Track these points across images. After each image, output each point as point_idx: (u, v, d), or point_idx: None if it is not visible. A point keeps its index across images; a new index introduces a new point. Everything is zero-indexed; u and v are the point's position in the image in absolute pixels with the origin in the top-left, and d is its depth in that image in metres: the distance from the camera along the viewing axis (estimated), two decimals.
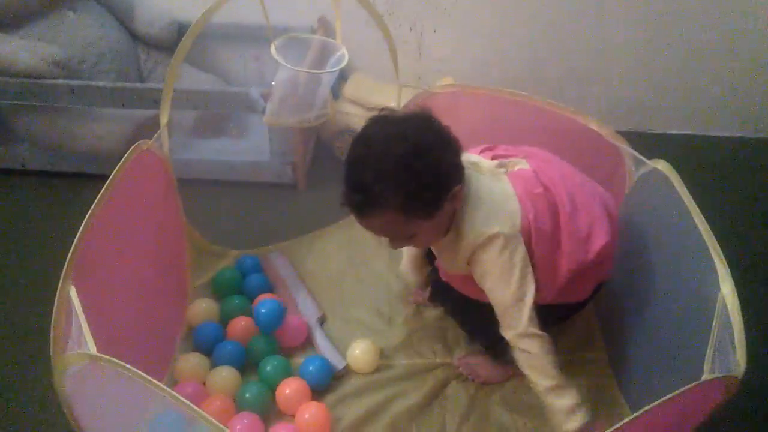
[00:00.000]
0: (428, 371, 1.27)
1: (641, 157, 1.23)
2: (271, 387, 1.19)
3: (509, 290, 1.01)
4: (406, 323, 1.37)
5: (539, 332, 1.02)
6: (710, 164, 1.96)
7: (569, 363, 1.27)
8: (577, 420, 1.01)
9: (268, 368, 1.21)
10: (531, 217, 1.03)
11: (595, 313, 1.39)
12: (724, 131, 2.10)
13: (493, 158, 1.12)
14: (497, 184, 1.06)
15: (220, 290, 1.41)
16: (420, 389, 1.23)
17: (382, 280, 1.46)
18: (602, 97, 2.06)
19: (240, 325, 1.29)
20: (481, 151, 1.15)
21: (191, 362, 1.22)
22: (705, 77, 2.01)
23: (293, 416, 1.16)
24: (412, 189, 0.94)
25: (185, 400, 0.76)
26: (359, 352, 1.25)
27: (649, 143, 1.99)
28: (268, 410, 1.18)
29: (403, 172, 0.93)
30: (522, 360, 1.04)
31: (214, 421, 0.74)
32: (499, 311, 1.04)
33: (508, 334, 1.04)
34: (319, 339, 1.30)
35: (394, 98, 1.71)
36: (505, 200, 1.04)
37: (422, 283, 1.39)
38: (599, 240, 1.07)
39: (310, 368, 1.21)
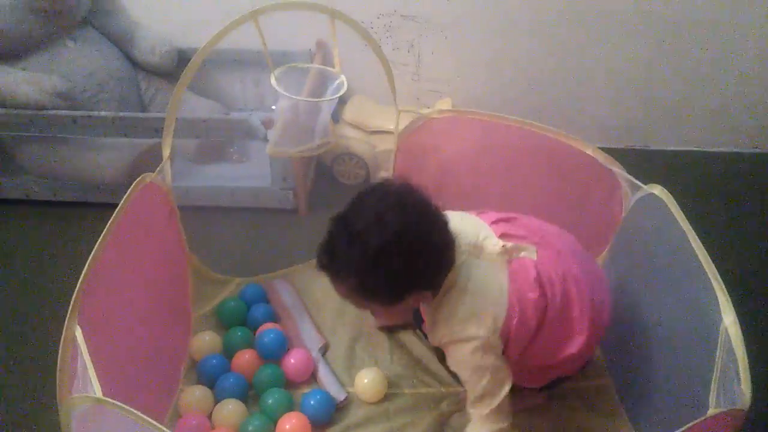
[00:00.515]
0: (435, 401, 1.26)
1: (637, 182, 1.24)
2: (273, 420, 1.19)
3: (480, 386, 0.99)
4: (409, 352, 1.37)
5: (504, 425, 1.00)
6: (707, 180, 1.97)
7: (576, 391, 1.27)
8: None
9: (270, 401, 1.20)
10: (515, 322, 0.99)
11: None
12: (720, 147, 2.11)
13: (502, 235, 1.05)
14: (493, 276, 1.01)
15: (223, 321, 1.41)
16: (425, 419, 1.22)
17: None
18: (600, 116, 2.07)
19: (244, 357, 1.29)
20: (496, 222, 1.09)
21: (195, 395, 1.22)
22: (700, 94, 2.02)
23: None
24: (370, 284, 0.94)
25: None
26: (368, 381, 1.25)
27: (645, 160, 2.04)
28: None
29: (368, 265, 0.91)
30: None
31: None
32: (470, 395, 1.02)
33: (474, 411, 1.01)
34: (321, 370, 1.30)
35: (393, 121, 1.73)
36: (495, 298, 0.99)
37: None
38: (570, 348, 1.04)
39: (311, 402, 1.21)
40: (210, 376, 1.27)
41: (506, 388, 0.99)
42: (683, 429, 0.77)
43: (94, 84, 1.79)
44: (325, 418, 1.21)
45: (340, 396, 1.25)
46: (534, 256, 1.03)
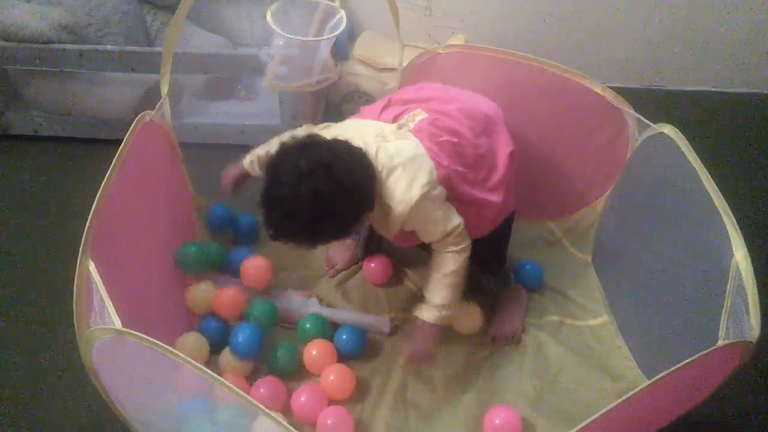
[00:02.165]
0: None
1: (646, 121, 1.22)
2: (304, 342, 1.22)
3: (439, 228, 1.09)
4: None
5: (466, 248, 1.11)
6: (725, 121, 1.94)
7: (575, 330, 1.30)
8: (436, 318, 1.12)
9: (308, 325, 1.24)
10: (445, 164, 1.09)
11: (597, 279, 1.40)
12: (737, 87, 2.06)
13: (394, 120, 1.16)
14: (406, 143, 1.10)
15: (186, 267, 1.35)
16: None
17: None
18: (616, 54, 2.02)
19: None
20: (381, 112, 1.19)
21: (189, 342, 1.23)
22: (719, 32, 1.96)
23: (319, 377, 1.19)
24: (323, 237, 1.05)
25: (207, 370, 0.78)
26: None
27: (662, 100, 1.99)
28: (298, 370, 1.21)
29: (311, 229, 1.01)
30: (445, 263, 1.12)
31: (237, 389, 0.76)
32: (434, 245, 1.13)
33: (445, 251, 1.12)
34: (349, 315, 1.31)
35: (404, 59, 1.69)
36: (418, 158, 1.08)
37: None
38: (505, 149, 1.18)
39: (344, 336, 1.24)
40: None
41: (460, 224, 1.10)
42: (693, 358, 0.78)
43: (99, 18, 1.75)
44: (354, 353, 1.24)
45: (385, 326, 1.28)
46: (425, 115, 1.15)
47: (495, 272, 1.30)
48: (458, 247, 1.11)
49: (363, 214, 1.05)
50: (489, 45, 1.40)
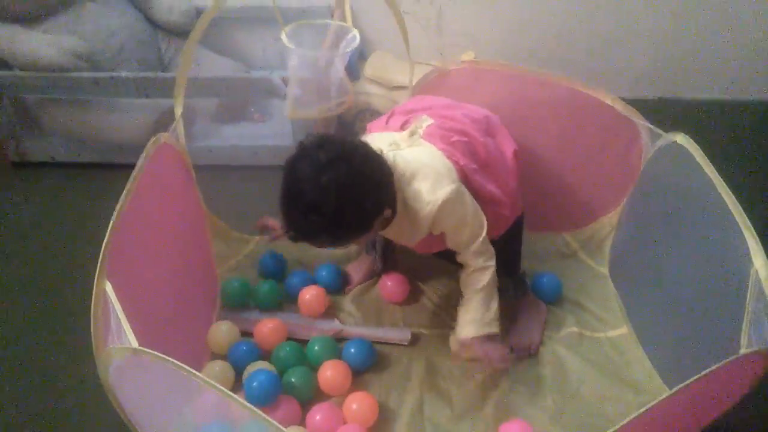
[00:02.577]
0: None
1: (658, 130, 1.22)
2: (315, 367, 1.21)
3: (467, 229, 1.10)
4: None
5: (491, 257, 1.12)
6: (740, 130, 1.92)
7: (595, 342, 1.28)
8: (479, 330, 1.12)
9: (316, 348, 1.22)
10: (462, 163, 1.11)
11: (614, 290, 1.38)
12: (751, 95, 2.05)
13: (402, 128, 1.18)
14: (421, 149, 1.12)
15: (229, 302, 1.38)
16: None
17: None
18: (629, 65, 2.02)
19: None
20: (386, 122, 1.22)
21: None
22: (733, 41, 1.95)
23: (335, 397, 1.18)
24: (341, 234, 1.04)
25: (223, 388, 0.78)
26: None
27: (676, 110, 1.99)
28: (312, 394, 1.19)
29: (332, 225, 0.99)
30: (477, 280, 1.12)
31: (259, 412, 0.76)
32: (462, 251, 1.13)
33: (477, 262, 1.12)
34: (369, 330, 1.31)
35: (414, 75, 1.71)
36: (436, 160, 1.10)
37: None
38: (509, 148, 1.21)
39: (352, 350, 1.23)
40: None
41: (485, 226, 1.11)
42: (714, 367, 0.76)
43: (114, 45, 1.79)
44: (366, 364, 1.24)
45: (406, 336, 1.28)
46: (431, 120, 1.17)
47: (512, 274, 1.29)
48: (483, 258, 1.11)
49: (384, 207, 1.04)
50: (499, 61, 1.41)
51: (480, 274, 1.12)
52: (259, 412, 0.77)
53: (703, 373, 0.76)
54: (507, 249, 1.22)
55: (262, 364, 1.20)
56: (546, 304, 1.35)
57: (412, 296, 1.39)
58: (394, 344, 1.29)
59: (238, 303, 1.37)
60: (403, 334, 1.29)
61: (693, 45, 1.97)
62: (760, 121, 1.97)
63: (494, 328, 1.12)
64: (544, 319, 1.31)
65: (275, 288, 1.37)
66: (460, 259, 1.14)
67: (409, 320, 1.35)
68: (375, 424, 1.14)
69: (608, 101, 1.30)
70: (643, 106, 1.32)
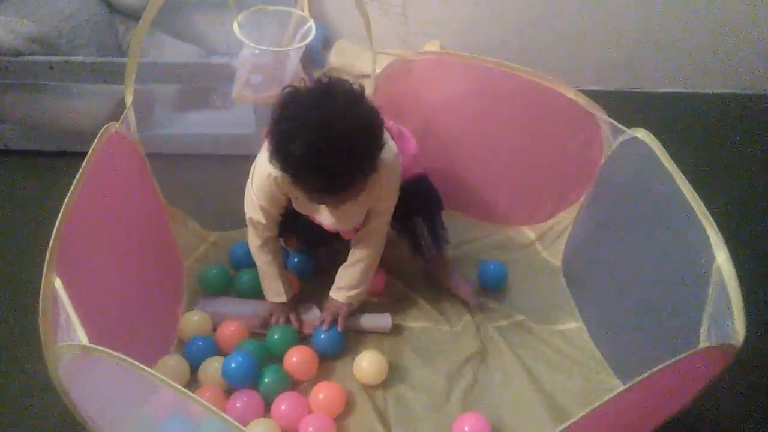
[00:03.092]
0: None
1: (620, 126, 1.22)
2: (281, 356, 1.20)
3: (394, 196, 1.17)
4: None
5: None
6: (700, 122, 1.96)
7: (544, 334, 1.28)
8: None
9: (276, 336, 1.22)
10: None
11: (566, 285, 1.39)
12: (709, 88, 2.09)
13: None
14: None
15: (209, 290, 1.37)
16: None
17: None
18: (590, 58, 2.03)
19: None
20: None
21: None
22: (691, 34, 1.98)
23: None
24: (371, 161, 1.02)
25: (178, 386, 0.76)
26: (366, 365, 1.19)
27: (637, 102, 2.01)
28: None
29: (365, 153, 0.99)
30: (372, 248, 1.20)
31: (208, 404, 0.75)
32: (382, 215, 1.18)
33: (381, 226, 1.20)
34: (359, 318, 1.29)
35: (379, 66, 1.69)
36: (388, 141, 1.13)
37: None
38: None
39: (322, 336, 1.23)
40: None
41: None
42: (673, 361, 0.76)
43: (69, 28, 1.73)
44: (336, 350, 1.24)
45: (387, 323, 1.28)
46: None
47: (429, 219, 1.29)
48: (385, 228, 1.19)
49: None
50: (464, 51, 1.40)
51: (379, 239, 1.19)
52: (216, 410, 0.75)
53: (660, 366, 0.76)
54: (420, 188, 1.25)
55: (218, 360, 1.19)
56: (493, 291, 1.35)
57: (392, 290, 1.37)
58: (374, 333, 1.28)
59: (219, 291, 1.36)
60: (384, 321, 1.28)
61: (655, 37, 2.00)
62: (719, 114, 2.01)
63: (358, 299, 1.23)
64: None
65: (255, 277, 1.34)
66: (371, 226, 1.19)
67: (392, 309, 1.32)
68: (342, 413, 1.14)
69: (571, 95, 1.30)
70: (605, 99, 1.32)
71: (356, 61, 1.81)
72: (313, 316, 1.30)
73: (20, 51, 1.61)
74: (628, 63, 2.05)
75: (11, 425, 1.15)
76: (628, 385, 0.77)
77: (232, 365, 1.15)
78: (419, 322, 1.31)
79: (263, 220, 1.20)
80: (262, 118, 1.68)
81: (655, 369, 0.77)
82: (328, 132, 0.95)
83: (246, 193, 1.21)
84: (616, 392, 0.77)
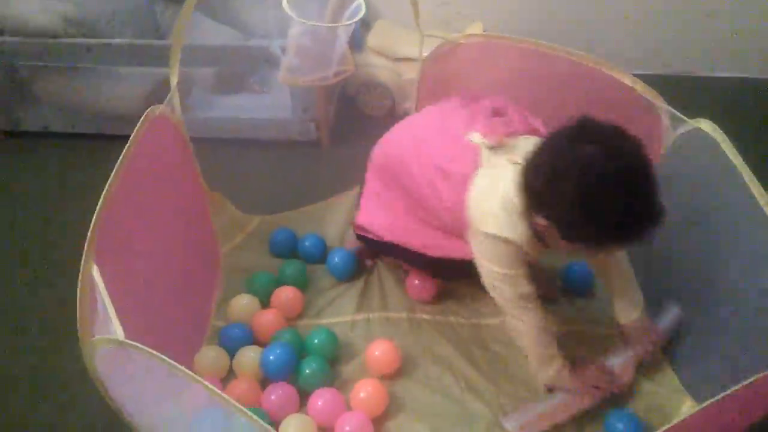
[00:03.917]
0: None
1: (681, 116, 1.14)
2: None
3: None
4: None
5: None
6: (759, 110, 1.84)
7: (603, 338, 1.21)
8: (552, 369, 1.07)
9: (307, 371, 1.15)
10: None
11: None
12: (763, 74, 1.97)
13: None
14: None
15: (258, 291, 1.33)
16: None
17: None
18: (639, 40, 1.94)
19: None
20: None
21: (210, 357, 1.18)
22: (749, 16, 1.87)
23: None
24: None
25: (210, 386, 0.75)
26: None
27: (689, 88, 1.91)
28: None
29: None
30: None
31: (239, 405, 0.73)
32: None
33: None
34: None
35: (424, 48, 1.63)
36: None
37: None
38: None
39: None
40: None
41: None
42: (750, 381, 0.72)
43: (108, 11, 1.72)
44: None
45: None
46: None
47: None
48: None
49: None
50: (507, 33, 1.33)
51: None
52: (247, 411, 0.73)
53: (738, 386, 0.72)
54: None
55: (253, 350, 1.17)
56: (576, 296, 1.29)
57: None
58: None
59: (265, 296, 1.30)
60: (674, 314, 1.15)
61: (710, 18, 1.89)
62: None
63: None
64: None
65: (301, 268, 1.34)
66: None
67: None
68: (382, 414, 1.10)
69: (628, 82, 1.21)
70: (656, 83, 1.24)
71: (396, 43, 1.75)
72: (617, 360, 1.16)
73: (58, 32, 1.61)
74: (681, 45, 1.94)
75: (50, 417, 1.16)
76: (700, 408, 0.73)
77: (271, 357, 1.13)
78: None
79: (527, 287, 1.05)
80: (298, 103, 1.65)
81: (730, 390, 0.72)
82: (635, 171, 0.88)
83: (494, 280, 1.05)
84: (686, 416, 0.74)
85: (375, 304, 1.30)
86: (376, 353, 1.16)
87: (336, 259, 1.34)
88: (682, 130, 1.15)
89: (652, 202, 0.88)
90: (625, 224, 0.88)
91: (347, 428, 1.05)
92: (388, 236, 1.21)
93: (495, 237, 1.00)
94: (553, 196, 0.90)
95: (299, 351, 1.18)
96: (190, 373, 0.74)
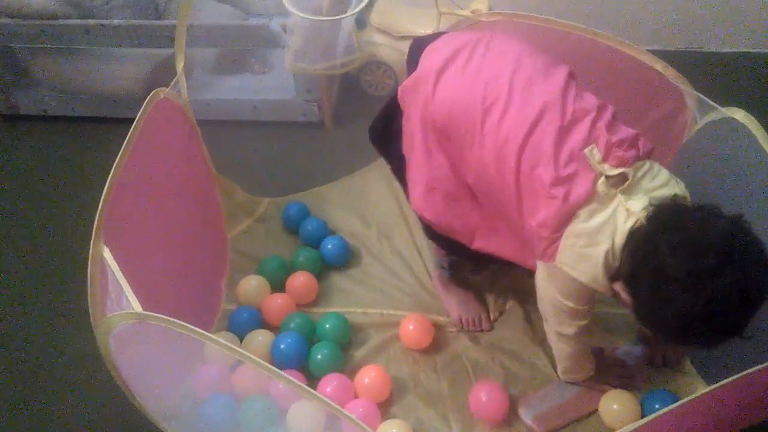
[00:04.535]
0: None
1: (711, 103, 1.10)
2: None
3: None
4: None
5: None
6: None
7: (623, 317, 1.19)
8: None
9: (319, 356, 1.14)
10: None
11: None
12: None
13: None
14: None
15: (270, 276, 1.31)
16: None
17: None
18: (648, 14, 1.91)
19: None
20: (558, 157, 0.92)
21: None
22: None
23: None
24: None
25: (237, 348, 0.74)
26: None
27: (699, 63, 1.89)
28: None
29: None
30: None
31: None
32: None
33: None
34: None
35: (424, 25, 1.61)
36: None
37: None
38: None
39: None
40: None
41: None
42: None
43: None
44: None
45: None
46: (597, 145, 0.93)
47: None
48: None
49: None
50: (513, 10, 1.30)
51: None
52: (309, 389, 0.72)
53: (751, 370, 0.72)
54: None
55: (261, 333, 1.17)
56: None
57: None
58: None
59: (279, 281, 1.29)
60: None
61: None
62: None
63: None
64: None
65: (315, 256, 1.33)
66: None
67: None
68: (387, 399, 1.11)
69: (658, 67, 1.16)
70: (664, 58, 1.20)
71: (399, 21, 1.72)
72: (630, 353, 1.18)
73: (55, 14, 1.58)
74: (690, 21, 1.92)
75: (55, 401, 1.15)
76: (712, 387, 0.72)
77: (282, 346, 1.12)
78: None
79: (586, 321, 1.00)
80: (301, 84, 1.63)
81: (743, 373, 0.72)
82: (729, 318, 0.79)
83: (555, 308, 0.99)
84: (699, 393, 0.73)
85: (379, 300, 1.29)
86: (410, 327, 1.17)
87: (329, 245, 1.33)
88: (712, 117, 1.10)
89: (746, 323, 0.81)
90: (709, 339, 0.82)
91: (354, 415, 1.04)
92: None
93: (576, 279, 0.91)
94: (658, 295, 0.81)
95: (310, 336, 1.17)
96: (215, 338, 0.73)
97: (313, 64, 1.30)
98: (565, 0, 1.87)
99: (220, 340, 0.74)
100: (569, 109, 0.92)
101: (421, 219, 1.10)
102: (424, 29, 1.55)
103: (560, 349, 1.05)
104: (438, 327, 1.22)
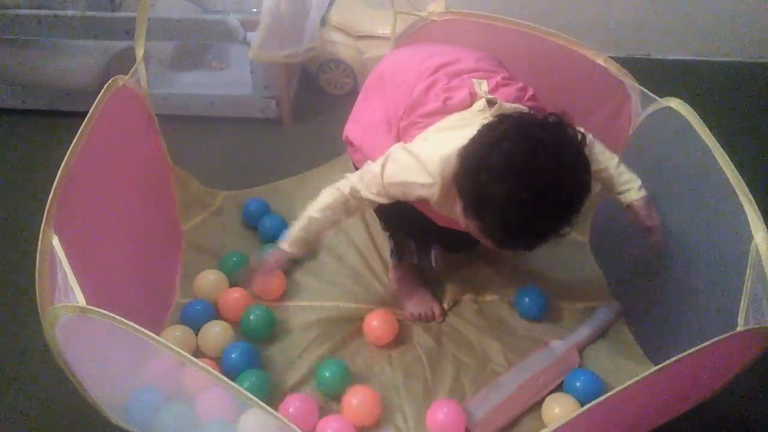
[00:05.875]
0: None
1: (651, 95, 1.16)
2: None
3: None
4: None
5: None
6: (709, 90, 1.90)
7: (577, 312, 1.25)
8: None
9: (327, 374, 1.12)
10: None
11: (594, 263, 1.35)
12: (725, 56, 2.03)
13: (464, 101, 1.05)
14: None
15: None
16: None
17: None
18: (594, 22, 1.97)
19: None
20: (434, 101, 1.06)
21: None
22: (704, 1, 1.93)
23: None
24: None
25: (176, 348, 0.74)
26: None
27: (646, 70, 1.95)
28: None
29: (577, 214, 0.89)
30: None
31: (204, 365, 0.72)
32: None
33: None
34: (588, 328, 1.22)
35: (383, 25, 1.63)
36: None
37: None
38: None
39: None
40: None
41: None
42: (709, 343, 0.74)
43: None
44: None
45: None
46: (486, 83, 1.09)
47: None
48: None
49: None
50: (472, 10, 1.34)
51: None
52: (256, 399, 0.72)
53: (694, 349, 0.74)
54: None
55: (218, 324, 1.16)
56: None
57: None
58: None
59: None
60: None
61: (666, 4, 1.94)
62: (728, 83, 1.95)
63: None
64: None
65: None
66: None
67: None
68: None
69: (600, 61, 1.22)
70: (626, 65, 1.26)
71: (357, 20, 1.74)
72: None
73: (6, 4, 1.55)
74: (636, 28, 1.99)
75: (5, 386, 1.13)
76: (658, 367, 0.74)
77: (232, 356, 1.10)
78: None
79: (377, 201, 1.05)
80: (259, 79, 1.63)
81: (686, 352, 0.74)
82: (545, 201, 0.85)
83: (367, 173, 1.04)
84: (645, 373, 0.74)
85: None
86: (374, 323, 1.18)
87: (267, 224, 1.35)
88: (652, 108, 1.16)
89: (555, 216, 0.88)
90: (510, 227, 0.87)
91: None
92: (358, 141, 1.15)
93: (416, 166, 0.98)
94: (478, 191, 0.88)
95: (269, 327, 1.18)
96: (159, 338, 0.73)
97: (277, 52, 1.29)
98: (515, 4, 1.92)
99: (157, 336, 0.73)
100: (482, 67, 1.10)
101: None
102: (383, 29, 1.58)
103: (323, 200, 1.07)
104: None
